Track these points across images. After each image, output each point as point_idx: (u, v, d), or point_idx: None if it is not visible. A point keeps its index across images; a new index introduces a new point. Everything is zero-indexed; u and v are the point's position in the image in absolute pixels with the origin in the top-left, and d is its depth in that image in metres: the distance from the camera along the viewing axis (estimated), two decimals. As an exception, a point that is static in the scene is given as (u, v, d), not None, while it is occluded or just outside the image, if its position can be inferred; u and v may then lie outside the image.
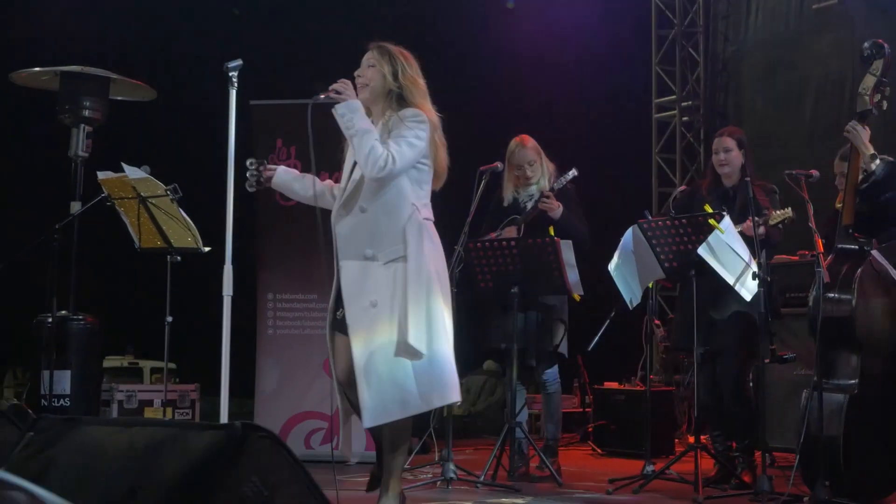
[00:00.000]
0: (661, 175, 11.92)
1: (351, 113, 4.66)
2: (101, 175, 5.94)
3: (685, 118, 11.99)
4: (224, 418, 4.34)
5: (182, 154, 8.90)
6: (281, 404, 7.57)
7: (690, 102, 12.00)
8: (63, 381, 6.81)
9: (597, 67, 11.64)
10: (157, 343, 9.59)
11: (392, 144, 4.67)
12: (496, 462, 6.47)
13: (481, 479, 6.24)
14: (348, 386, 4.78)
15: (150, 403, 7.95)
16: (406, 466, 6.74)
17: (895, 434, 5.57)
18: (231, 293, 4.38)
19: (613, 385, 8.62)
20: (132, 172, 5.65)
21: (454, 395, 4.78)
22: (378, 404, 4.60)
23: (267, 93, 7.76)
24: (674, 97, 12.05)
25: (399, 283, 4.64)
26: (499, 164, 6.63)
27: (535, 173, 6.75)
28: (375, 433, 4.95)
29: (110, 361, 13.03)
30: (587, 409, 8.94)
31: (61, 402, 6.82)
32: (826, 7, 10.82)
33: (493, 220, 6.84)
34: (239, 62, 4.52)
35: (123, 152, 6.92)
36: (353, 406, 4.81)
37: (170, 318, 6.17)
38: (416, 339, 4.60)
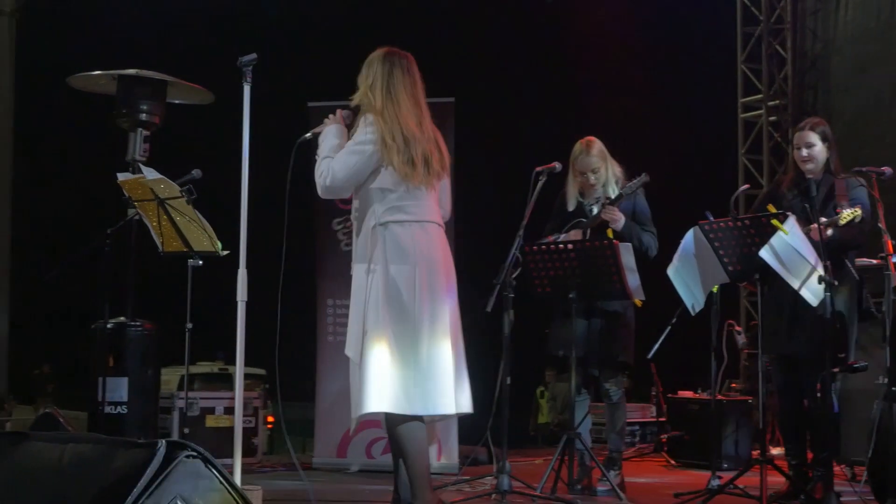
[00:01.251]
0: (748, 176, 11.56)
1: (323, 139, 4.82)
2: (120, 177, 5.82)
3: (772, 118, 11.63)
4: (238, 427, 4.18)
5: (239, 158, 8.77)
6: (342, 412, 7.38)
7: (778, 101, 11.66)
8: (120, 389, 6.72)
9: (680, 66, 11.38)
10: (249, 348, 9.57)
11: (334, 160, 4.70)
12: (555, 474, 6.20)
13: (538, 491, 5.98)
14: None
15: (211, 411, 7.84)
16: (464, 477, 6.58)
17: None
18: (245, 298, 4.21)
19: (688, 394, 8.29)
20: (149, 173, 5.53)
21: (372, 405, 4.58)
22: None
23: (325, 94, 7.59)
24: (760, 96, 11.71)
25: (356, 290, 4.72)
26: (556, 165, 6.33)
27: (598, 181, 6.47)
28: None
29: (201, 367, 13.05)
30: (661, 419, 8.64)
31: (118, 409, 6.74)
32: (919, -1, 10.40)
33: (556, 223, 6.58)
34: (253, 56, 4.37)
35: (181, 156, 6.82)
36: None
37: (190, 325, 6.03)
38: (349, 347, 4.65)
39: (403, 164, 4.62)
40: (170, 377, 14.07)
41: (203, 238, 5.56)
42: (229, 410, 7.87)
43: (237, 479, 4.10)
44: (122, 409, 6.69)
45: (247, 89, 4.38)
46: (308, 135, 4.84)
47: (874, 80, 10.79)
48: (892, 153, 9.37)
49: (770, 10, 11.73)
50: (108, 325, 6.67)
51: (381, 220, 4.65)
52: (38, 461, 2.32)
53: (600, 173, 6.47)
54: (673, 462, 8.06)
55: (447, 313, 4.74)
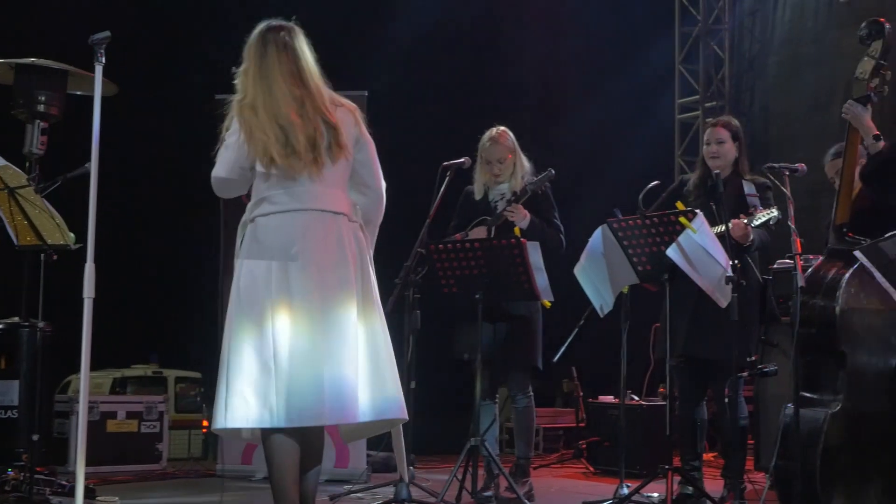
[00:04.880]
0: (684, 178, 11.36)
1: None
2: (-33, 165, 5.51)
3: (709, 119, 11.41)
4: (82, 433, 3.90)
5: (148, 151, 8.51)
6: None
7: (715, 103, 11.48)
8: (10, 392, 6.42)
9: (617, 66, 11.15)
10: (184, 352, 9.31)
11: None
12: (459, 483, 5.94)
13: (439, 500, 5.72)
14: None
15: (113, 416, 7.52)
16: (368, 483, 6.35)
17: (881, 457, 4.99)
18: (93, 295, 3.90)
19: (609, 399, 8.06)
20: (-5, 160, 5.26)
21: (219, 420, 4.09)
22: None
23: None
24: (697, 97, 11.52)
25: None
26: (466, 160, 6.13)
27: (503, 172, 6.27)
28: None
29: (134, 371, 12.73)
30: (581, 425, 8.42)
31: (9, 413, 6.43)
32: (854, 0, 10.24)
33: (462, 216, 6.36)
34: (106, 35, 4.07)
35: (83, 149, 6.52)
36: None
37: (41, 324, 5.73)
38: None
39: (287, 156, 4.16)
40: (102, 380, 13.78)
41: (55, 229, 5.25)
42: (133, 415, 7.58)
43: (80, 485, 3.79)
44: (13, 414, 6.39)
45: (98, 70, 4.07)
46: None
47: (811, 81, 10.62)
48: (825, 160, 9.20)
49: (708, 11, 11.56)
50: (-1, 326, 6.40)
51: (250, 215, 4.26)
52: None
53: (507, 164, 6.26)
54: (592, 469, 7.85)
55: (330, 310, 4.15)
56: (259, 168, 4.20)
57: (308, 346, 4.08)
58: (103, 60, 4.08)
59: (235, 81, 4.36)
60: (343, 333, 4.17)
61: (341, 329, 4.17)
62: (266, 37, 4.30)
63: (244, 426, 4.09)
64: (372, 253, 4.55)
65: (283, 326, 4.07)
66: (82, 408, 3.88)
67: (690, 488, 5.67)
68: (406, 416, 4.34)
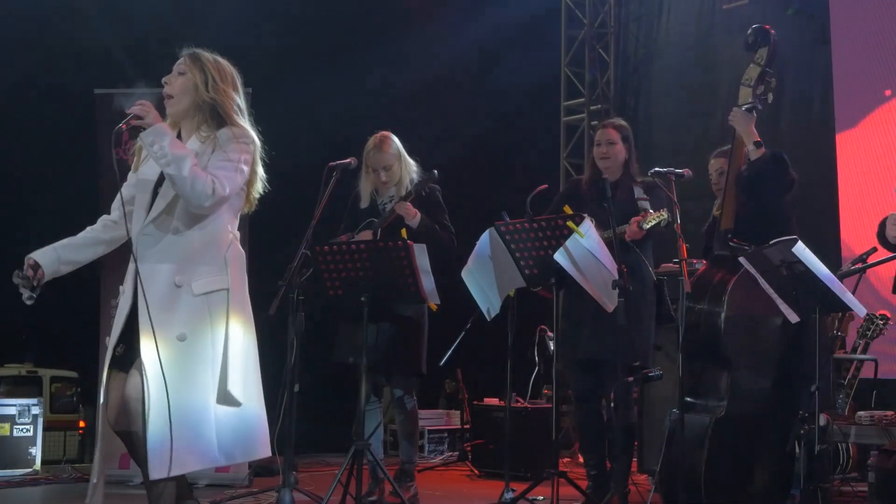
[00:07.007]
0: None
1: (159, 139, 4.00)
2: None
3: (594, 122, 11.50)
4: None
5: (26, 147, 8.23)
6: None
7: (600, 106, 11.56)
8: None
9: (504, 68, 11.14)
10: (60, 350, 9.02)
11: (217, 170, 4.08)
12: (343, 488, 5.84)
13: (322, 506, 5.62)
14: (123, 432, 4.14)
15: (-22, 419, 7.24)
16: (251, 489, 6.22)
17: (763, 461, 5.03)
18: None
19: (494, 401, 8.03)
20: None
21: (262, 450, 4.16)
22: (175, 453, 3.90)
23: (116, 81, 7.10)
24: (583, 100, 11.59)
25: (217, 319, 4.08)
26: (352, 161, 6.01)
27: (391, 179, 6.20)
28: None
29: (7, 370, 12.31)
30: (466, 427, 8.38)
31: None
32: (736, 7, 10.41)
33: (350, 221, 6.26)
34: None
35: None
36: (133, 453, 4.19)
37: None
38: (234, 384, 4.06)
39: (253, 195, 4.33)
40: (-30, 379, 13.31)
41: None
42: (4, 418, 7.30)
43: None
44: None
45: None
46: (122, 126, 4.03)
47: (694, 85, 10.79)
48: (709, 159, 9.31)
49: (594, 15, 11.64)
50: None
51: (233, 232, 4.28)
52: None
53: (393, 171, 6.19)
54: (477, 472, 7.81)
55: None
56: (243, 196, 4.31)
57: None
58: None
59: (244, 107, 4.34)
60: None
61: None
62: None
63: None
64: None
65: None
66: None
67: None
68: None
